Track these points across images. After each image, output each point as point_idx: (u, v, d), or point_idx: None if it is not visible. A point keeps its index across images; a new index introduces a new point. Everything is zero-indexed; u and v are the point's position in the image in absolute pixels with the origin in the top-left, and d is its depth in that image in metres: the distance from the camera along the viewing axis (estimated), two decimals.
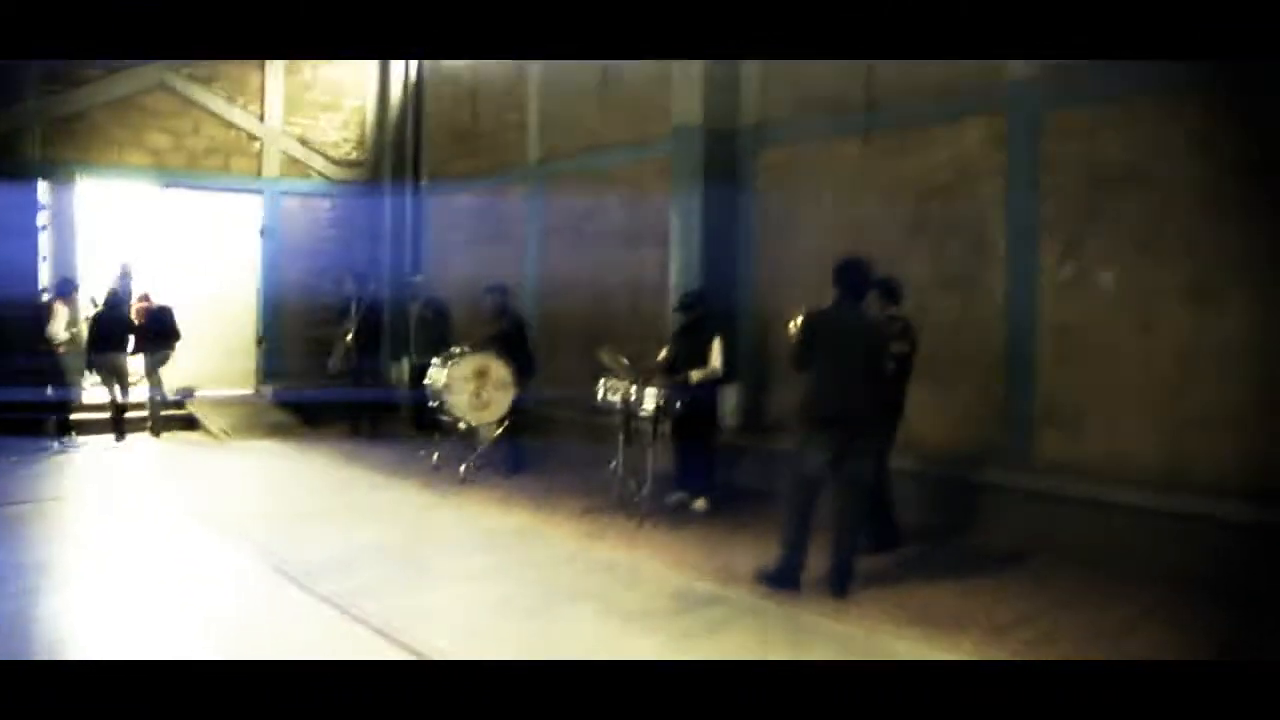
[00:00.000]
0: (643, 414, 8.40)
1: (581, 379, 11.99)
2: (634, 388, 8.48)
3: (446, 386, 9.86)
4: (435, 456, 10.40)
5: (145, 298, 12.62)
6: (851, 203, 9.50)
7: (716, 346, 8.67)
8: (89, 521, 8.17)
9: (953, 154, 8.77)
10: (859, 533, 6.56)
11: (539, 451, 10.83)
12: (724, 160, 10.43)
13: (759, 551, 7.26)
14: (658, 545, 7.53)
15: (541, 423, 11.42)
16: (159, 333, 12.31)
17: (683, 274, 10.52)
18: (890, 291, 7.44)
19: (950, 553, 7.51)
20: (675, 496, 8.80)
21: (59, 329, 11.65)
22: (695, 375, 8.58)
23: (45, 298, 12.08)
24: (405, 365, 14.64)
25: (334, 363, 12.54)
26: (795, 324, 6.64)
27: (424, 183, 15.54)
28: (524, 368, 10.31)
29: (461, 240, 14.74)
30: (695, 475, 8.81)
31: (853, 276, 6.42)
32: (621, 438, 8.66)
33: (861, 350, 6.30)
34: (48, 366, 11.54)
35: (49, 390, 11.58)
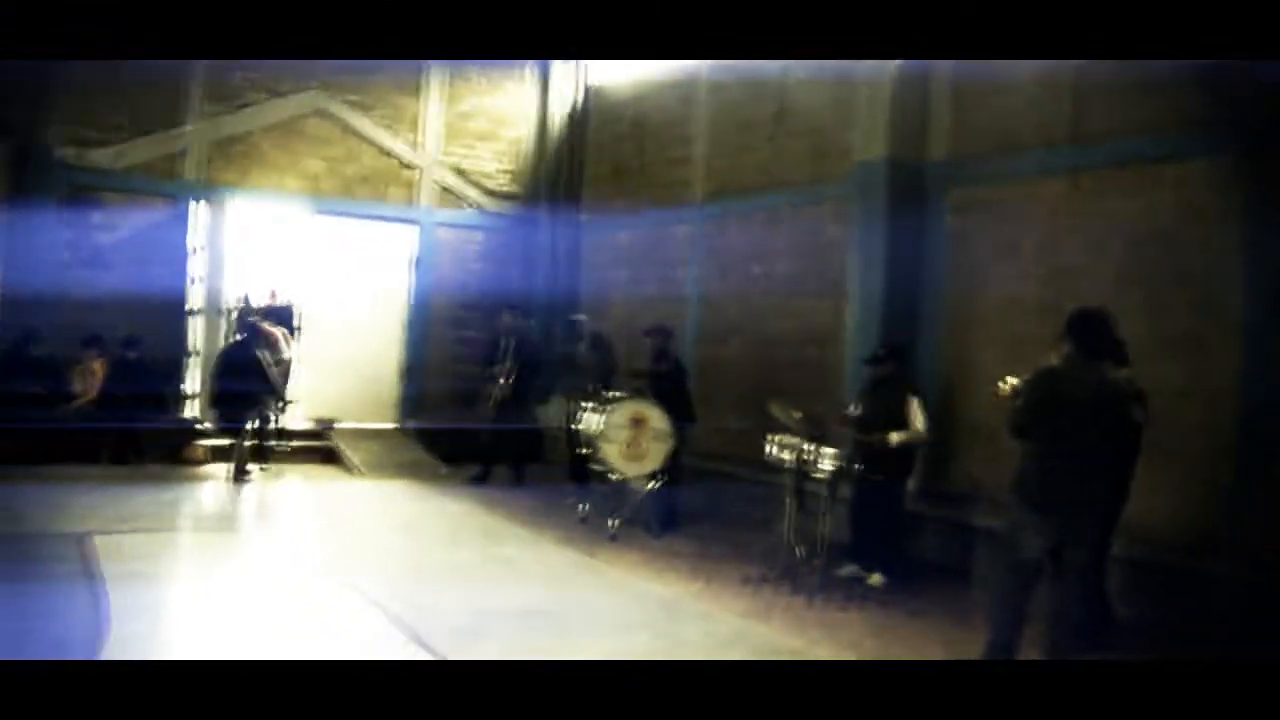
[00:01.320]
0: (818, 475, 7.52)
1: (743, 433, 11.25)
2: (810, 446, 7.61)
3: (600, 433, 9.15)
4: (582, 508, 9.69)
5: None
6: (1055, 249, 8.48)
7: (916, 405, 7.79)
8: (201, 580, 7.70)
9: (1179, 195, 7.70)
10: (1075, 632, 5.54)
11: (695, 509, 10.02)
12: (911, 199, 9.51)
13: (944, 639, 6.36)
14: (830, 627, 6.63)
15: (698, 478, 10.59)
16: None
17: (861, 323, 9.63)
18: (1120, 351, 6.40)
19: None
20: (848, 569, 7.88)
21: (278, 351, 11.46)
22: (896, 437, 7.70)
23: (250, 321, 11.89)
24: (557, 407, 14.06)
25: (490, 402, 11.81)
26: (1015, 383, 5.72)
27: (582, 217, 15.00)
28: (682, 417, 9.54)
29: (618, 278, 14.10)
30: (873, 546, 7.87)
31: (1092, 330, 5.43)
32: (790, 500, 7.80)
33: (1098, 419, 5.30)
34: (257, 391, 11.35)
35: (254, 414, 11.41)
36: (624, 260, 14.05)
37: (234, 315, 12.88)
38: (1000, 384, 5.96)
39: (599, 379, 10.27)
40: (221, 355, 11.70)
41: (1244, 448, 7.15)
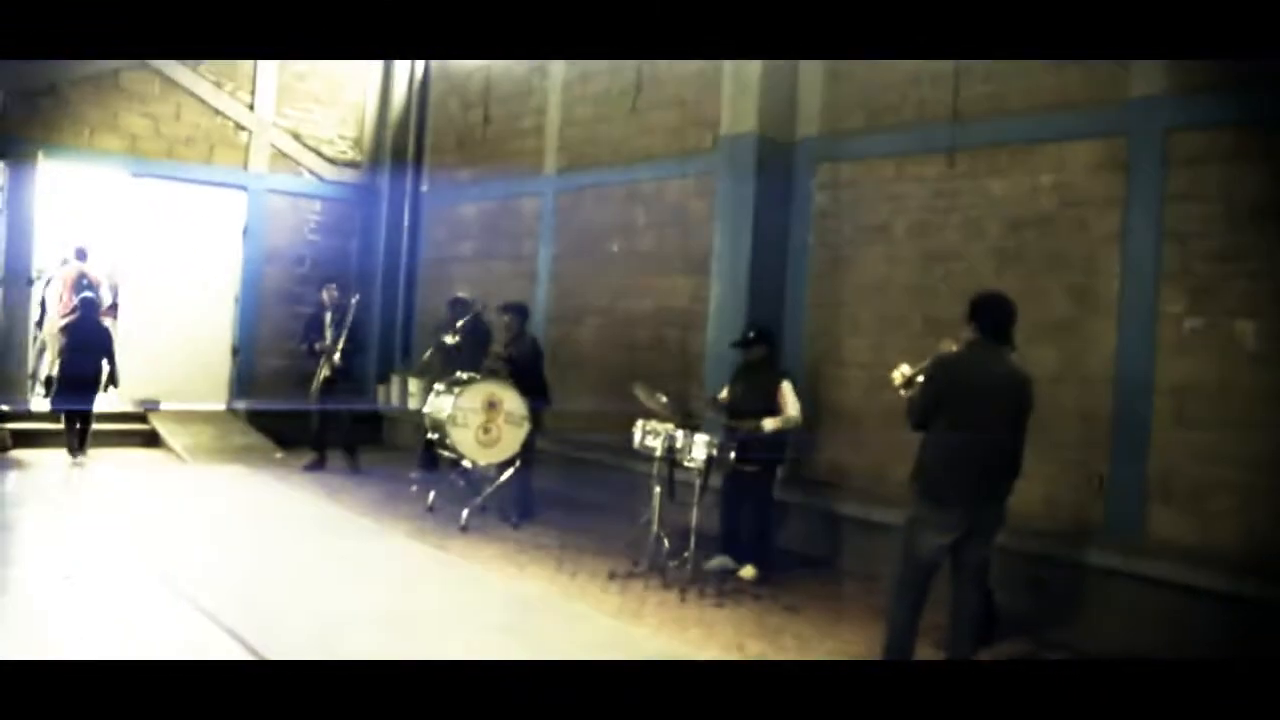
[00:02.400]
0: (689, 463, 7.11)
1: (598, 417, 10.80)
2: (681, 433, 7.20)
3: (451, 418, 8.52)
4: (431, 496, 9.06)
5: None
6: (929, 230, 8.28)
7: (789, 390, 7.44)
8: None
9: (1057, 179, 7.57)
10: (977, 629, 5.27)
11: (553, 498, 9.51)
12: (778, 176, 9.19)
13: (827, 636, 6.06)
14: (709, 626, 6.23)
15: (556, 465, 10.07)
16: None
17: (724, 303, 9.26)
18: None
19: (1056, 651, 6.24)
20: (717, 561, 7.51)
21: None
22: (770, 424, 7.33)
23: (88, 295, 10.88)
24: (396, 387, 13.32)
25: (314, 382, 10.89)
26: (909, 371, 5.40)
27: (424, 188, 14.24)
28: (539, 400, 9.00)
29: (463, 253, 13.43)
30: (745, 538, 7.52)
31: (997, 314, 5.14)
32: (658, 489, 7.38)
33: (1004, 407, 5.02)
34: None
35: None
36: (468, 233, 13.39)
37: (46, 285, 11.76)
38: (894, 373, 5.65)
39: (471, 361, 9.62)
40: (70, 329, 10.68)
41: (1117, 433, 7.09)
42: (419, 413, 12.41)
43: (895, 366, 5.77)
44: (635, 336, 10.74)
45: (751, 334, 7.63)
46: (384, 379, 13.76)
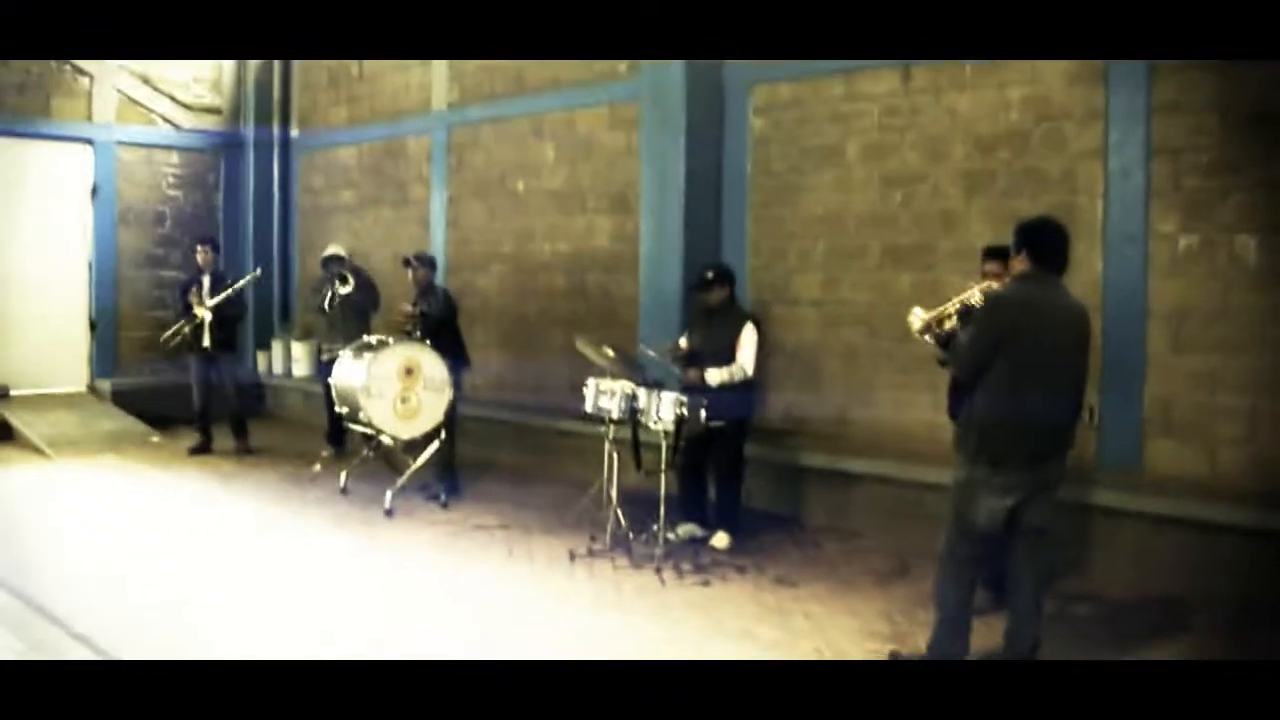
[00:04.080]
0: (655, 425, 6.30)
1: (514, 375, 9.91)
2: (643, 391, 6.38)
3: (364, 388, 7.51)
4: (343, 477, 8.05)
5: None
6: (885, 153, 7.59)
7: (750, 336, 6.64)
8: None
9: (1029, 93, 6.95)
10: (1041, 605, 4.62)
11: (476, 472, 8.59)
12: (708, 101, 8.36)
13: (845, 614, 5.41)
14: (706, 612, 5.45)
15: (473, 434, 9.11)
16: None
17: (656, 243, 8.46)
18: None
19: (1075, 602, 5.68)
20: (684, 529, 6.75)
21: None
22: (714, 376, 6.54)
23: None
24: (279, 354, 12.12)
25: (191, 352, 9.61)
26: (933, 313, 4.72)
27: (295, 134, 12.92)
28: (457, 363, 8.04)
29: (344, 202, 12.24)
30: (716, 502, 6.78)
31: (1053, 240, 4.42)
32: (612, 454, 6.58)
33: (1070, 346, 4.34)
34: None
35: None
36: (349, 180, 12.19)
37: None
38: (910, 318, 4.94)
39: (358, 323, 8.58)
40: None
41: (1109, 363, 6.56)
42: (309, 381, 11.45)
43: (909, 312, 5.08)
44: (550, 283, 9.84)
45: (710, 274, 6.79)
46: (264, 345, 12.51)
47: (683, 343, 6.87)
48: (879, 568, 6.32)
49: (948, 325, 4.90)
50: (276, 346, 12.35)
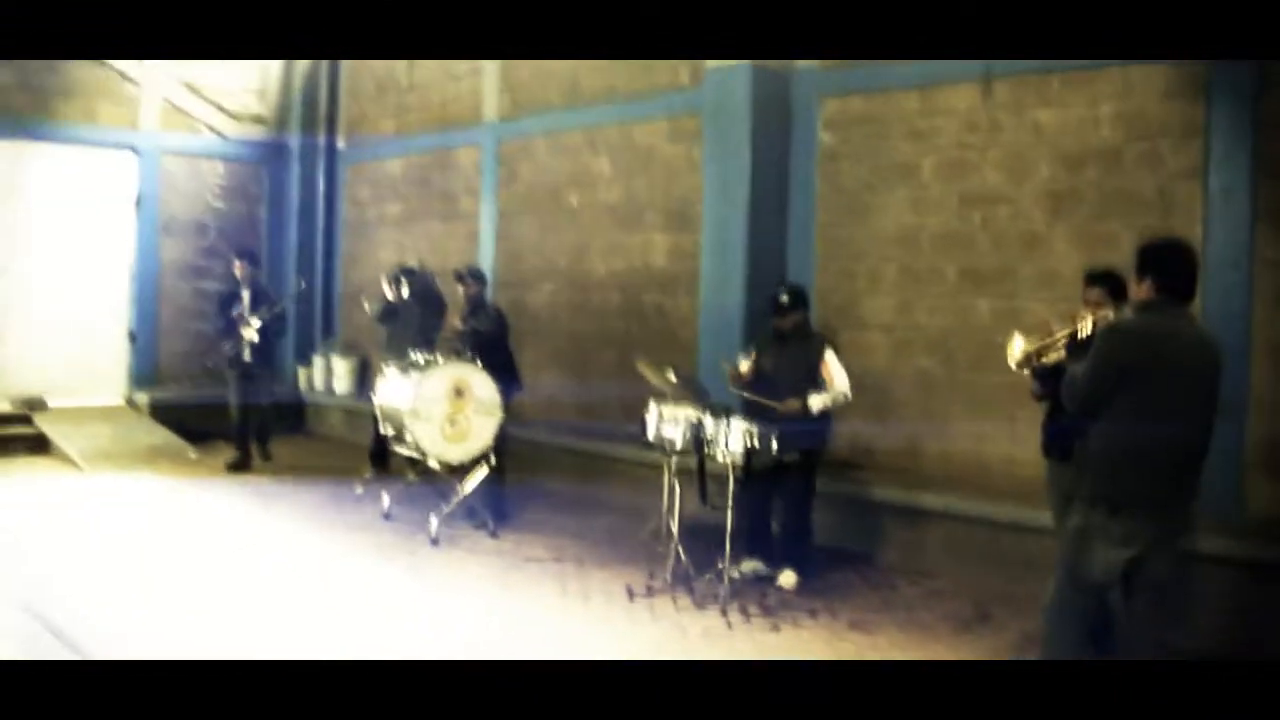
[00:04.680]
0: (724, 457, 5.91)
1: (565, 397, 9.55)
2: (710, 419, 5.99)
3: (412, 410, 7.17)
4: (386, 501, 7.71)
5: None
6: (963, 171, 7.19)
7: (834, 360, 6.27)
8: None
9: (1121, 108, 6.53)
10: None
11: (525, 499, 8.22)
12: (775, 114, 8.00)
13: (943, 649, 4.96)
14: (780, 653, 5.07)
15: (522, 458, 8.74)
16: None
17: (717, 262, 8.09)
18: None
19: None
20: (749, 566, 6.35)
21: None
22: (817, 401, 6.17)
23: None
24: (320, 370, 11.84)
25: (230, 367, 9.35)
26: (1036, 344, 4.35)
27: (342, 144, 12.68)
28: (508, 385, 7.69)
29: (390, 215, 11.96)
30: (782, 537, 6.37)
31: (1181, 266, 3.99)
32: (674, 487, 6.19)
33: (1198, 383, 3.91)
34: None
35: None
36: (395, 193, 11.92)
37: None
38: (1010, 346, 4.56)
39: (423, 339, 8.24)
40: None
41: None
42: (351, 399, 11.16)
43: (1008, 341, 4.71)
44: (604, 302, 9.49)
45: (786, 297, 6.39)
46: (304, 361, 12.24)
47: (743, 366, 6.47)
48: (958, 613, 5.89)
49: (1052, 357, 4.52)
50: (318, 362, 12.08)
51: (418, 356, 7.60)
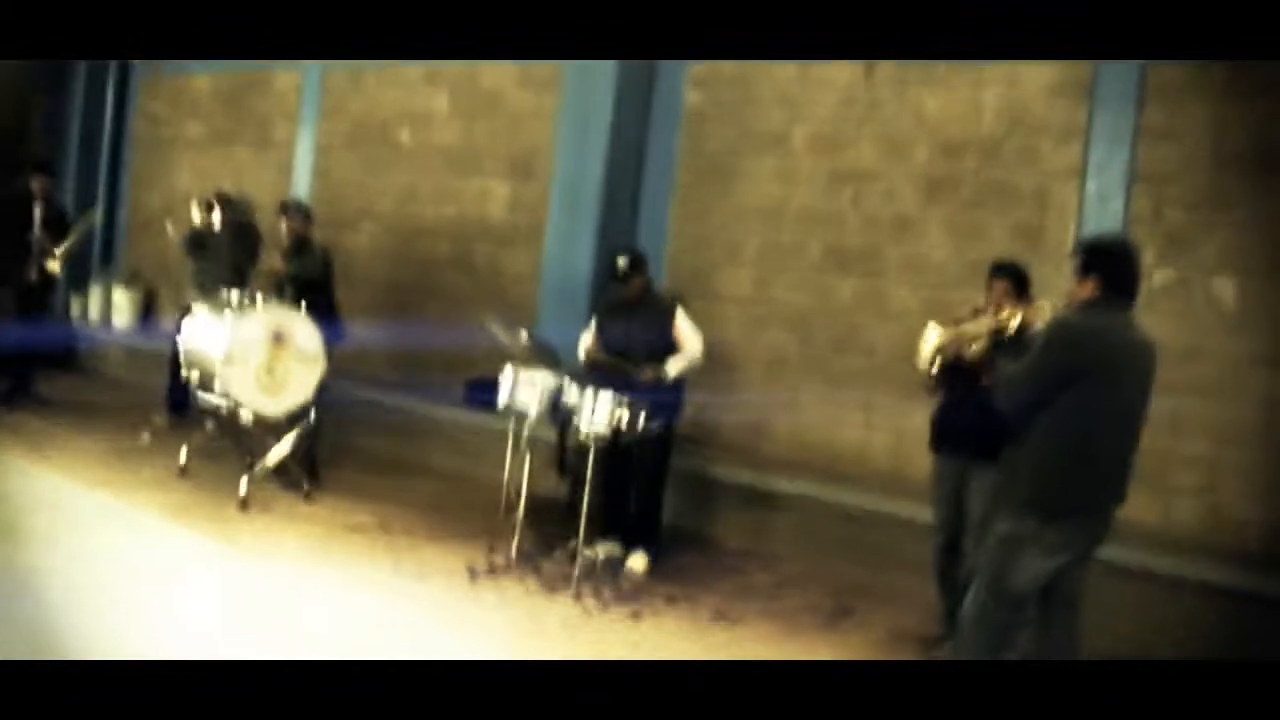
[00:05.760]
0: (589, 427, 5.43)
1: (380, 350, 8.84)
2: (574, 386, 5.51)
3: (227, 356, 6.36)
4: (184, 454, 6.85)
5: None
6: (837, 146, 6.95)
7: (685, 323, 5.88)
8: None
9: (1004, 99, 6.42)
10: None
11: (338, 455, 7.52)
12: (639, 66, 7.54)
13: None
14: (648, 651, 4.67)
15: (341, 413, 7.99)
16: None
17: (566, 218, 7.60)
18: (1023, 281, 4.90)
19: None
20: (604, 548, 5.92)
21: None
22: (674, 367, 5.76)
23: None
24: (97, 300, 10.65)
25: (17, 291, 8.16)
26: (948, 336, 4.11)
27: (133, 60, 11.36)
28: (332, 332, 6.95)
29: (190, 135, 10.82)
30: (636, 517, 5.97)
31: (1127, 265, 3.81)
32: (521, 454, 5.71)
33: (1141, 387, 3.76)
34: None
35: None
36: (198, 111, 10.79)
37: None
38: (922, 343, 4.30)
39: (235, 276, 7.38)
40: None
41: None
42: (133, 335, 10.07)
43: (922, 331, 4.46)
44: (431, 250, 8.83)
45: (625, 262, 5.91)
46: (79, 289, 10.96)
47: (586, 343, 6.03)
48: (818, 604, 5.63)
49: (972, 351, 4.29)
50: (95, 291, 10.84)
51: (232, 296, 6.77)
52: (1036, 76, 6.29)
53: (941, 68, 6.55)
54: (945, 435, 4.88)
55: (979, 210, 6.43)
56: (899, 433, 6.66)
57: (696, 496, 6.76)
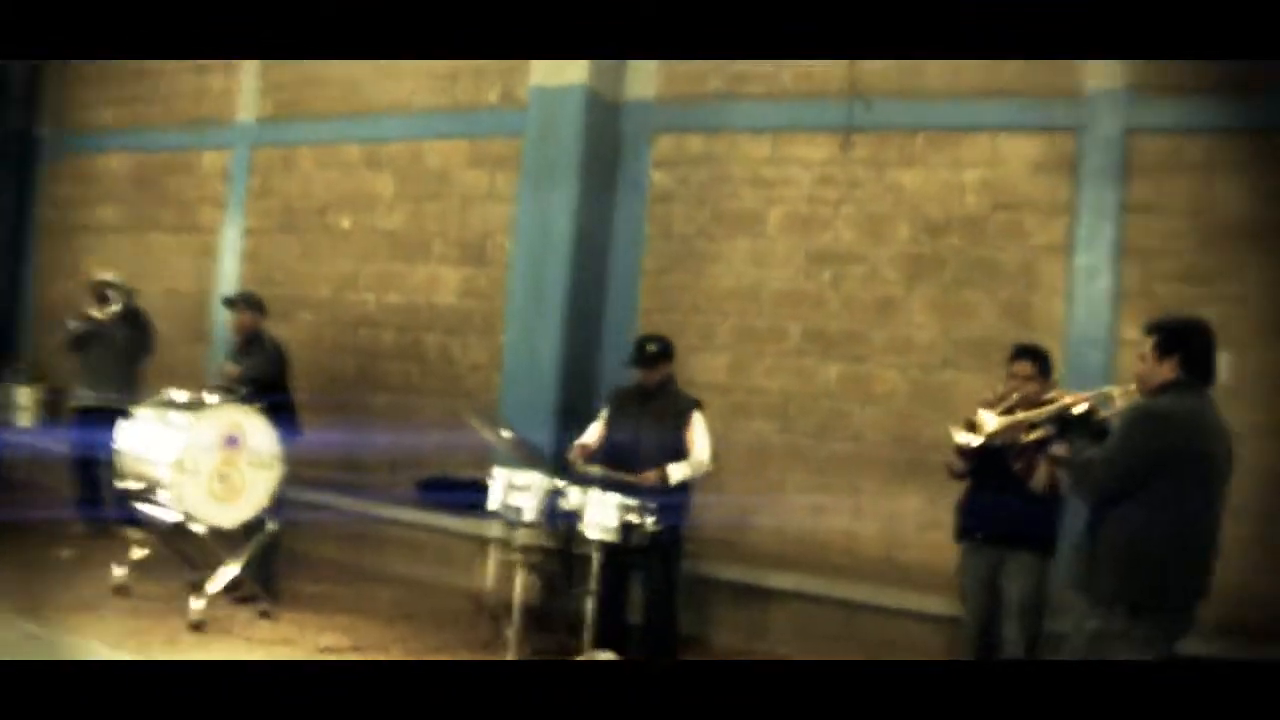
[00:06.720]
0: (592, 533, 5.05)
1: (322, 448, 8.26)
2: (574, 489, 5.14)
3: (178, 463, 5.82)
4: (119, 572, 6.22)
5: None
6: (814, 227, 6.79)
7: (699, 424, 5.56)
8: None
9: (987, 176, 6.34)
10: None
11: (307, 566, 6.99)
12: (607, 144, 7.30)
13: None
14: None
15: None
16: None
17: (529, 303, 7.25)
18: (1047, 363, 4.77)
19: None
20: (603, 658, 5.50)
21: None
22: (677, 472, 5.42)
23: None
24: (23, 400, 9.90)
25: None
26: (1003, 422, 3.94)
27: (42, 131, 10.72)
28: (288, 432, 6.45)
29: (105, 219, 10.19)
30: (647, 629, 5.57)
31: (1205, 345, 3.69)
32: (511, 563, 5.30)
33: (1224, 472, 3.65)
34: None
35: None
36: (113, 194, 10.18)
37: None
38: (979, 421, 4.08)
39: (126, 369, 6.93)
40: None
41: None
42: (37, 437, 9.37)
43: (970, 416, 4.23)
44: (374, 340, 8.37)
45: (654, 346, 5.63)
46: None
47: (589, 439, 5.68)
48: None
49: (1032, 435, 4.09)
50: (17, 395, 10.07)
51: (174, 395, 6.24)
52: (1019, 151, 6.23)
53: (919, 142, 6.46)
54: (982, 522, 4.67)
55: (965, 289, 6.31)
56: (889, 518, 6.46)
57: (684, 596, 6.39)
